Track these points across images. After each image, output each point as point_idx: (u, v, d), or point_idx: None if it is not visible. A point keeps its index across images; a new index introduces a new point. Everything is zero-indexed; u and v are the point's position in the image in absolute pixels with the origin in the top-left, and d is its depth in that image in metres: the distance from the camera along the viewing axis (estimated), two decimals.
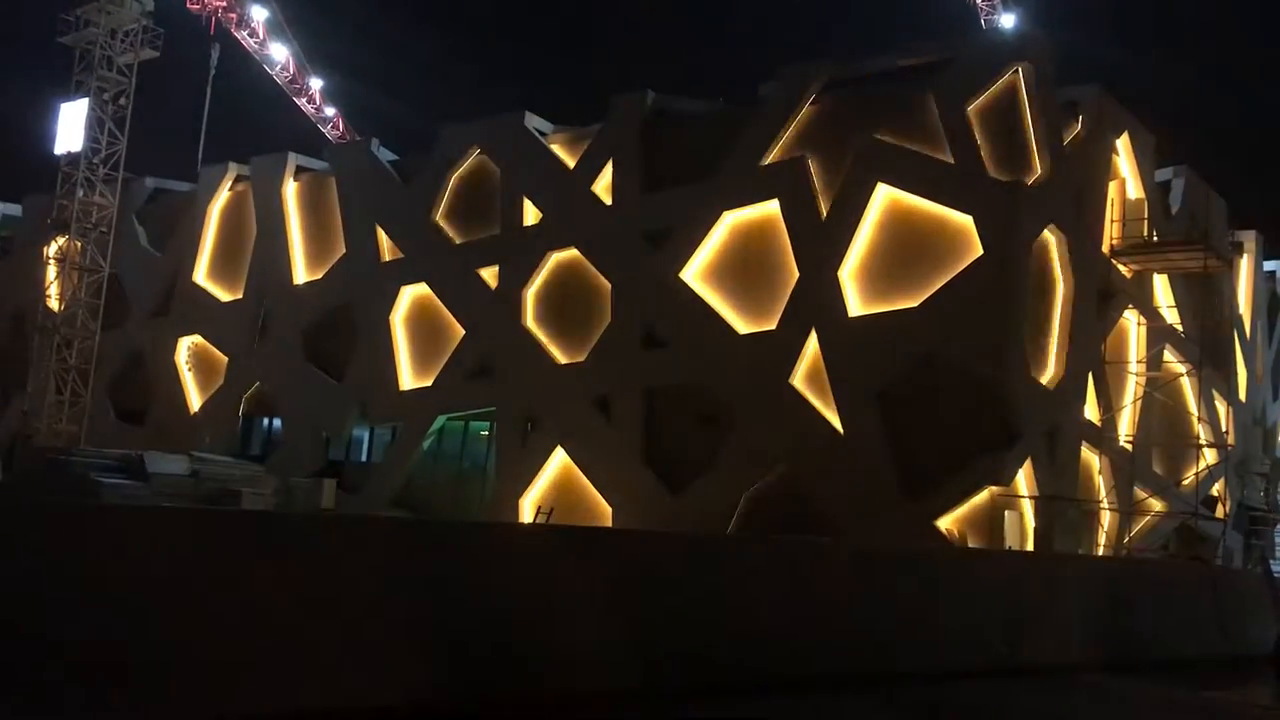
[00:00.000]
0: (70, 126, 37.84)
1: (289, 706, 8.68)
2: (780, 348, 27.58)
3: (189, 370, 40.58)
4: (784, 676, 12.34)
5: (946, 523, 25.09)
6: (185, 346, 40.73)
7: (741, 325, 28.67)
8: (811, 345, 27.26)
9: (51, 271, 39.83)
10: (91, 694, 7.91)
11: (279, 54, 52.84)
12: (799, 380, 27.32)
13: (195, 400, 40.15)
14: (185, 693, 8.29)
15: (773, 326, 28.00)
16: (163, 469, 28.81)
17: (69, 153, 37.75)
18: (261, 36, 52.00)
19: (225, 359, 39.37)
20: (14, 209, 48.78)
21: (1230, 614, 20.94)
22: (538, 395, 31.57)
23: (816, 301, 27.38)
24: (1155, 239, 29.73)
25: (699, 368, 28.89)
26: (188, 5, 48.96)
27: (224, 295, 40.07)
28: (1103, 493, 28.34)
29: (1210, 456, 30.89)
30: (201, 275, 40.99)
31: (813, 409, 26.97)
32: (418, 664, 9.66)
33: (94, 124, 37.23)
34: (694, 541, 16.06)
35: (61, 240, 38.86)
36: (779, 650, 12.61)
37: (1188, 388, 31.06)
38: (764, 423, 27.52)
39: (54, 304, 39.38)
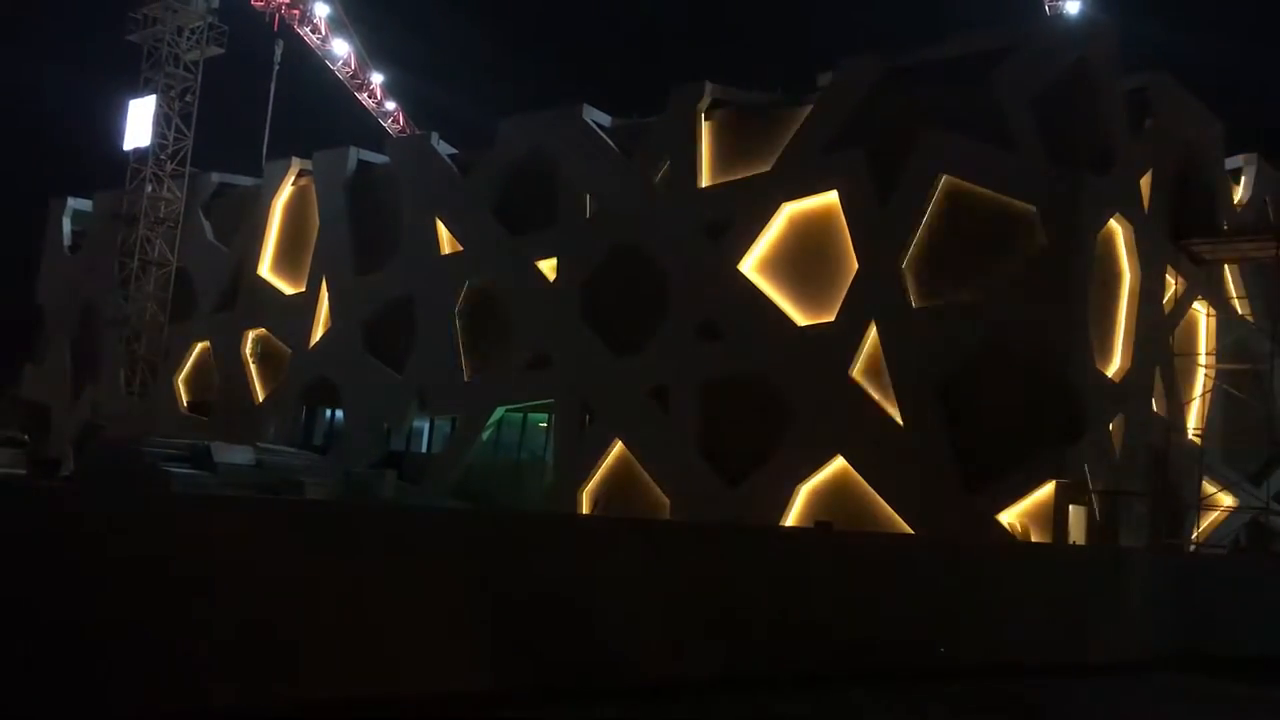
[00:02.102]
0: (139, 123, 38.63)
1: (370, 691, 8.83)
2: (839, 340, 27.38)
3: (254, 362, 41.22)
4: (846, 669, 12.29)
5: (1010, 517, 24.78)
6: (250, 338, 41.37)
7: (800, 317, 28.50)
8: (871, 337, 27.03)
9: (121, 265, 40.68)
10: (192, 680, 8.09)
11: (340, 49, 53.38)
12: (858, 373, 27.11)
13: (260, 391, 40.77)
14: (270, 679, 8.45)
15: (831, 318, 27.80)
16: (229, 459, 29.36)
17: (137, 149, 38.55)
18: (323, 32, 52.56)
19: (289, 351, 39.91)
20: (85, 204, 49.81)
21: None
22: (596, 387, 31.65)
23: (876, 293, 27.14)
24: (1225, 228, 29.08)
25: (757, 360, 28.77)
26: (252, 2, 49.61)
27: (288, 288, 40.61)
28: (1171, 487, 27.78)
29: None
30: (266, 268, 41.58)
31: (872, 402, 26.75)
32: (492, 651, 9.75)
33: (161, 120, 37.98)
34: (756, 534, 16.02)
35: (131, 235, 39.64)
36: (840, 643, 12.56)
37: (1259, 380, 30.35)
38: (822, 415, 27.35)
39: (124, 298, 40.20)
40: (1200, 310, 29.65)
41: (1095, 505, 25.10)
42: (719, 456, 29.16)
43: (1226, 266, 30.31)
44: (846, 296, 27.64)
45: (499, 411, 34.27)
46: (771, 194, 29.32)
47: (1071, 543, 24.05)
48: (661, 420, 30.23)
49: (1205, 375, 29.32)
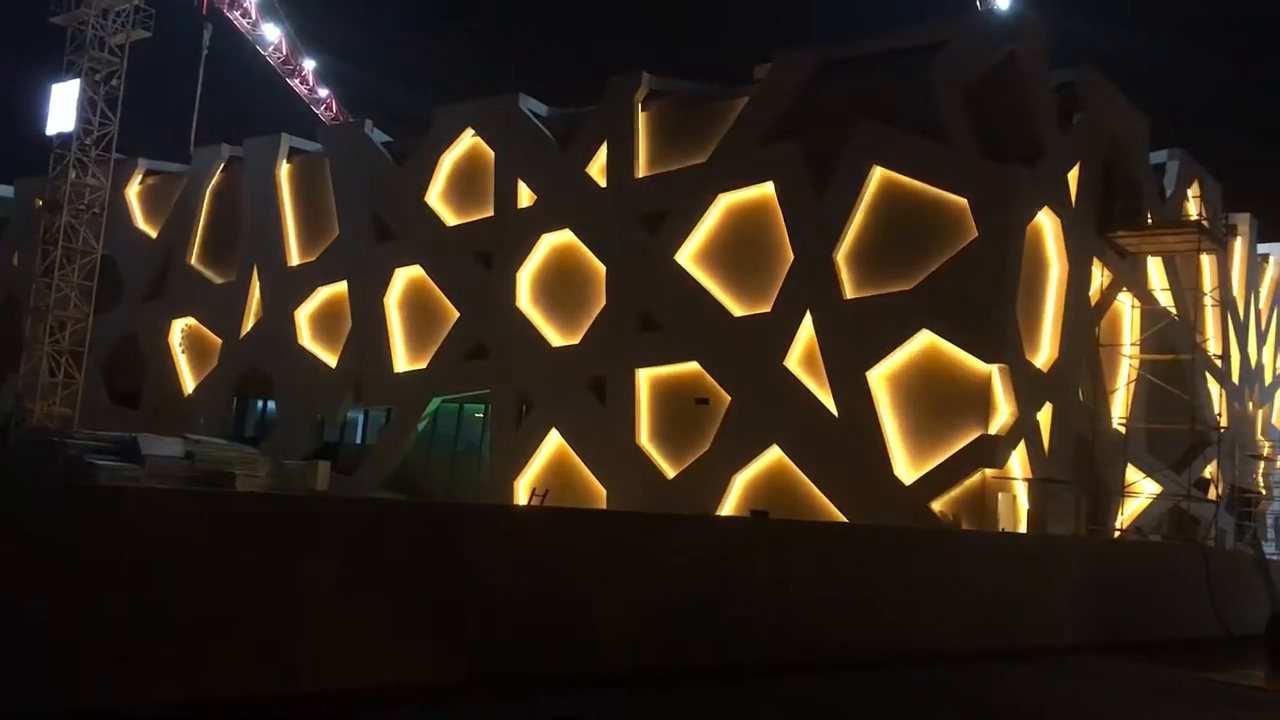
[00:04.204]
0: (62, 107, 37.62)
1: (311, 687, 8.74)
2: (775, 330, 27.57)
3: (183, 352, 40.50)
4: (785, 658, 12.40)
5: (940, 505, 25.15)
6: (179, 328, 40.66)
7: (736, 308, 28.65)
8: (806, 328, 27.26)
9: (44, 253, 39.66)
10: (118, 677, 7.94)
11: (271, 34, 52.48)
12: (793, 363, 27.33)
13: (189, 382, 40.12)
14: (204, 674, 8.33)
15: (767, 309, 27.98)
16: (157, 451, 28.71)
17: (61, 134, 37.56)
18: (254, 17, 51.63)
19: (219, 341, 39.31)
20: (6, 190, 48.55)
21: (1223, 595, 21.08)
22: (532, 378, 31.57)
23: (811, 284, 27.36)
24: (1150, 222, 29.73)
25: (693, 350, 28.89)
26: None
27: (217, 277, 39.96)
28: (1096, 475, 28.38)
29: (1203, 438, 30.97)
30: (195, 256, 40.87)
31: (807, 391, 26.98)
32: (437, 644, 9.71)
33: (86, 105, 37.00)
34: (697, 523, 16.09)
35: (54, 222, 38.66)
36: (779, 631, 12.66)
37: (1181, 370, 31.09)
38: (758, 405, 27.53)
39: (46, 286, 39.21)
40: (1125, 302, 30.29)
41: (1023, 493, 25.58)
42: (656, 446, 29.27)
43: (1150, 259, 30.98)
44: (782, 287, 27.83)
45: (435, 403, 34.04)
46: (708, 185, 29.41)
47: (1000, 530, 24.49)
48: (598, 411, 30.24)
49: (1129, 365, 29.98)
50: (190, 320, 40.44)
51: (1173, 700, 13.87)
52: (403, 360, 34.67)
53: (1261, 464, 36.38)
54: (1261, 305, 38.58)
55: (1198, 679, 15.30)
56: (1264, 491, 36.38)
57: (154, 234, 42.55)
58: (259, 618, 8.70)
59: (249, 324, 38.60)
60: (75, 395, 37.44)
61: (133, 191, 43.78)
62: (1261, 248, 38.70)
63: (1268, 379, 39.05)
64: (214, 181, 41.35)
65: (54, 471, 25.69)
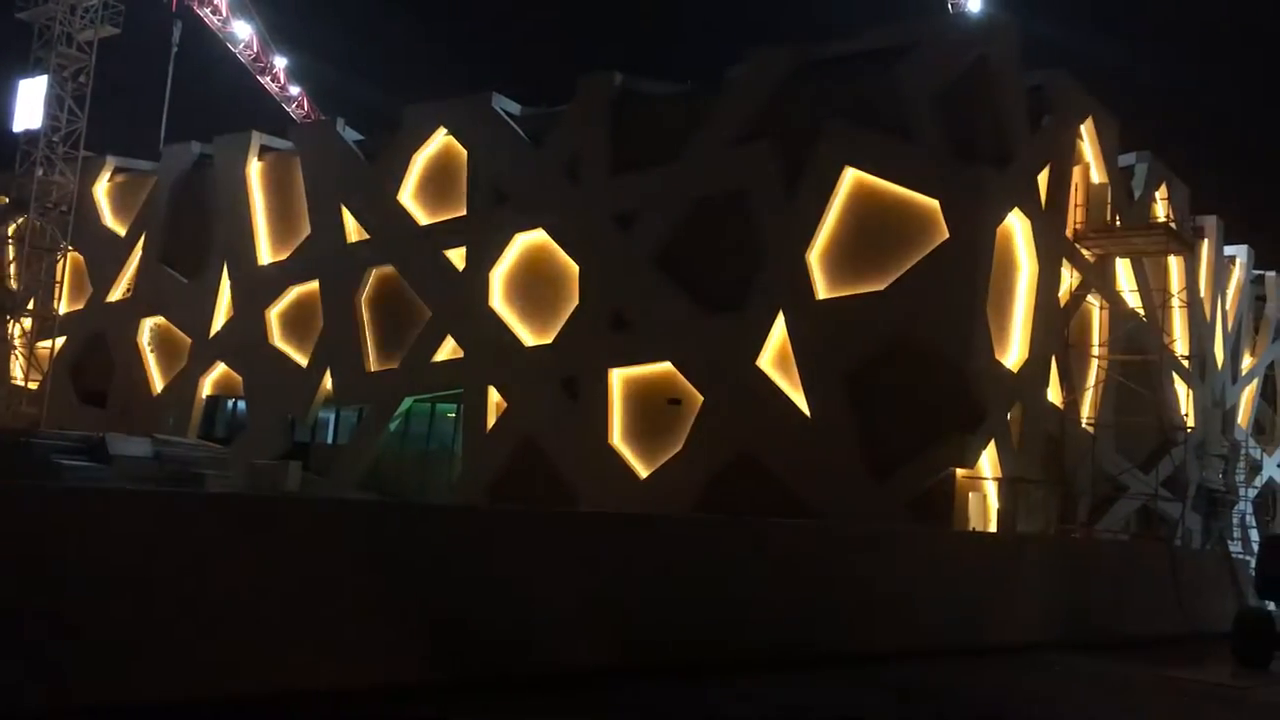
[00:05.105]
0: (29, 104, 37.29)
1: (276, 687, 8.69)
2: (747, 330, 27.62)
3: (152, 351, 40.18)
4: (751, 656, 12.44)
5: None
6: (148, 327, 40.33)
7: (708, 308, 28.64)
8: (779, 328, 27.33)
9: (10, 251, 39.26)
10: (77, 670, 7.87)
11: (242, 31, 52.08)
12: (766, 363, 27.40)
13: (158, 382, 39.79)
14: (168, 671, 8.28)
15: (740, 309, 28.01)
16: (125, 451, 28.50)
17: (28, 130, 37.22)
18: (224, 13, 51.22)
19: (188, 340, 39.01)
20: None
21: (1190, 594, 21.32)
22: (505, 377, 31.50)
23: (784, 284, 27.43)
24: (1118, 223, 30.01)
25: (666, 350, 28.90)
26: None
27: (187, 276, 39.65)
28: (1066, 475, 28.61)
29: (1170, 438, 31.27)
30: (164, 255, 40.53)
31: (780, 392, 27.06)
32: (401, 644, 9.68)
33: (54, 101, 36.66)
34: (666, 522, 16.10)
35: (20, 220, 38.29)
36: (747, 630, 12.71)
37: (1149, 371, 31.41)
38: (731, 405, 27.59)
39: (13, 284, 38.83)
40: (1094, 303, 30.55)
41: (994, 492, 25.76)
42: (629, 446, 29.27)
43: (1119, 260, 31.26)
44: (754, 287, 27.87)
45: (407, 402, 33.91)
46: (679, 185, 29.43)
47: (971, 529, 24.65)
48: (571, 410, 30.20)
49: (1098, 366, 30.24)
50: (159, 319, 40.12)
51: (1142, 696, 14.01)
52: (374, 359, 34.52)
53: (1219, 462, 36.72)
54: (1228, 306, 38.98)
55: (1166, 676, 15.46)
56: (1226, 490, 36.74)
57: (122, 232, 42.20)
58: (239, 617, 8.66)
59: (219, 323, 38.34)
60: (42, 394, 37.10)
61: (101, 189, 43.42)
62: (1228, 250, 39.13)
63: (1234, 380, 39.48)
64: (183, 179, 41.02)
65: (20, 472, 25.42)
